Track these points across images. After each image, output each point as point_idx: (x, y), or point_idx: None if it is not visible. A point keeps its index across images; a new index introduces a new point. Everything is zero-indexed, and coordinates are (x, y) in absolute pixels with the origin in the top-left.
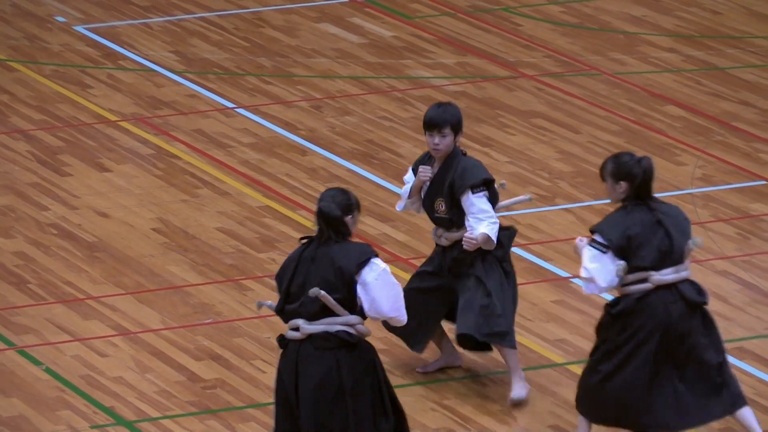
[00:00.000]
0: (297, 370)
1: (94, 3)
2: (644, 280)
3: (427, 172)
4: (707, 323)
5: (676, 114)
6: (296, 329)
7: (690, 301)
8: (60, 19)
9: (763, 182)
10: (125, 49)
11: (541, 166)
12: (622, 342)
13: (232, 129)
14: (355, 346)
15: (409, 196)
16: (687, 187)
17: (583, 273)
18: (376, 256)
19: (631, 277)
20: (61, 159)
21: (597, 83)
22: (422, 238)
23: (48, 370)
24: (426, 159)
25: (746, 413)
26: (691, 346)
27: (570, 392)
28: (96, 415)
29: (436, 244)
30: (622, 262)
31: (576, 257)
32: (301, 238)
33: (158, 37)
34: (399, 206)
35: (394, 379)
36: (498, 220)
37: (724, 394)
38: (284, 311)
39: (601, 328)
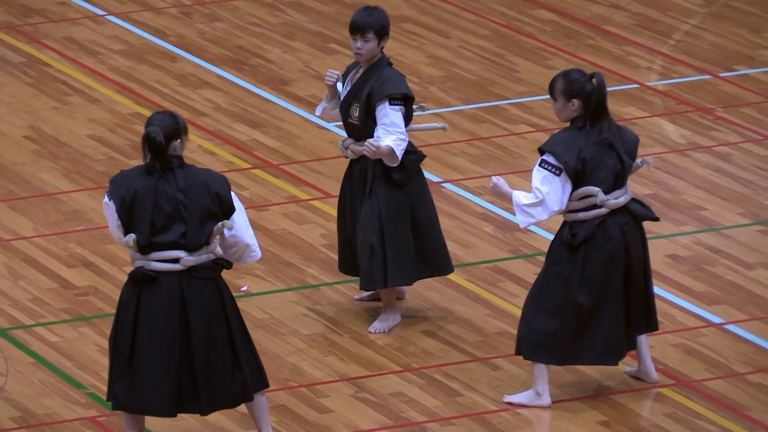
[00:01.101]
0: (184, 302)
1: None
2: (595, 205)
3: (333, 76)
4: (644, 239)
5: (546, 18)
6: (174, 261)
7: (641, 219)
8: None
9: (635, 86)
10: None
11: (411, 71)
12: (594, 272)
13: (103, 36)
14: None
15: (329, 100)
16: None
17: (529, 197)
18: None
19: (580, 203)
20: None
21: None
22: (293, 144)
23: None
24: (356, 64)
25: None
26: (643, 267)
27: (441, 297)
28: None
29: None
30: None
31: (450, 161)
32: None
33: None
34: (318, 110)
35: (269, 285)
36: (407, 139)
37: (652, 316)
38: (153, 244)
39: (556, 261)
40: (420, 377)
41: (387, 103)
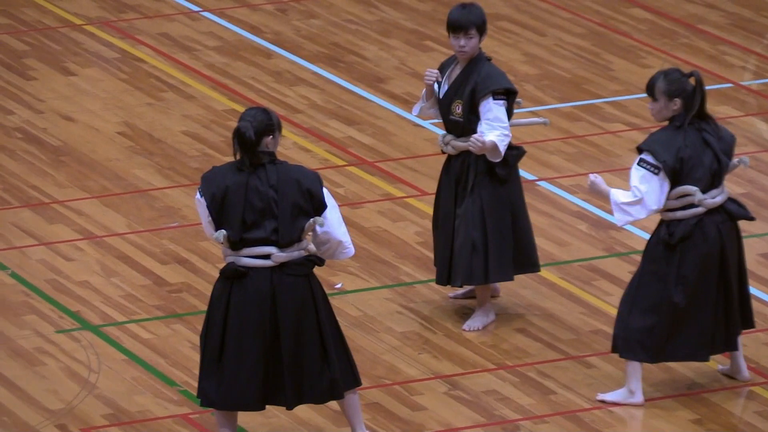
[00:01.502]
0: (274, 298)
1: None
2: (693, 204)
3: (432, 75)
4: (740, 239)
5: (641, 17)
6: (266, 257)
7: (737, 218)
8: None
9: (729, 85)
10: None
11: (507, 68)
12: (691, 270)
13: (198, 32)
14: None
15: (426, 100)
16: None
17: (627, 195)
18: None
19: (677, 202)
20: (26, 63)
21: None
22: (388, 141)
23: (14, 275)
24: (451, 61)
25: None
26: (739, 266)
27: (535, 295)
28: (62, 319)
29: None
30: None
31: (543, 159)
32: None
33: None
34: (415, 109)
35: (363, 283)
36: (510, 134)
37: (748, 314)
38: (244, 240)
39: (653, 260)
40: (514, 375)
41: (491, 98)
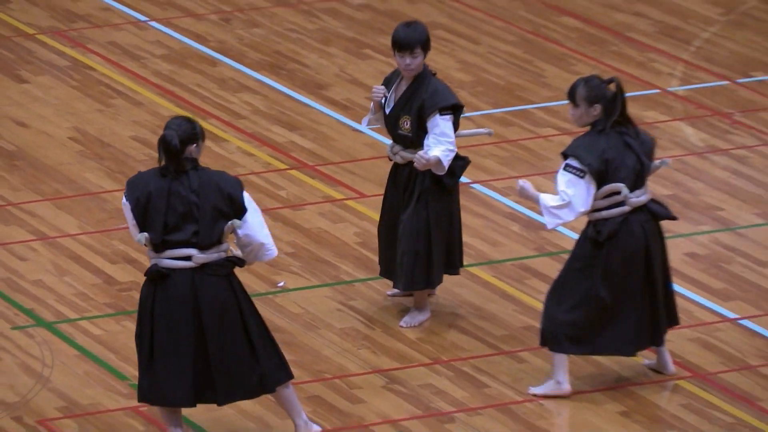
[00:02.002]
0: (196, 298)
1: None
2: (620, 203)
3: (379, 91)
4: (663, 238)
5: (571, 25)
6: (187, 258)
7: (660, 218)
8: None
9: (657, 91)
10: None
11: (442, 75)
12: (616, 267)
13: (145, 41)
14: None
15: (374, 113)
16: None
17: (556, 199)
18: None
19: (604, 201)
20: None
21: None
22: (328, 146)
23: None
24: (396, 75)
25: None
26: (664, 265)
27: (469, 293)
28: (17, 316)
29: (392, 170)
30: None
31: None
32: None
33: None
34: (364, 121)
35: (305, 281)
36: (455, 148)
37: (672, 311)
38: (166, 242)
39: (580, 257)
40: (448, 369)
41: (438, 114)
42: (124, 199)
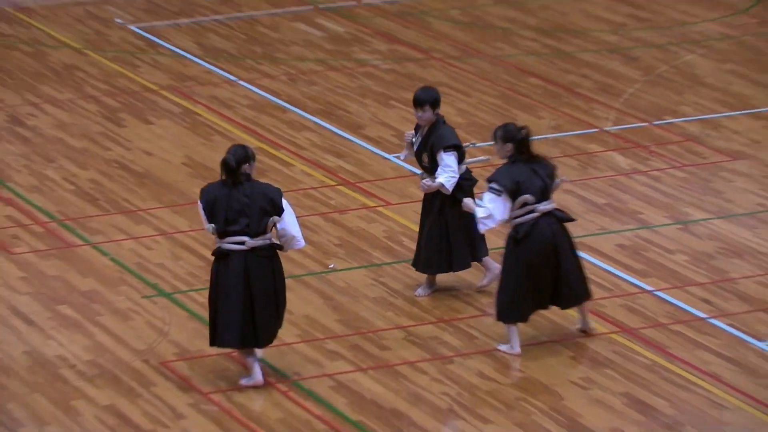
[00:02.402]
0: (247, 272)
1: (141, 9)
2: (531, 212)
3: (408, 136)
4: (568, 235)
5: (537, 84)
6: (241, 243)
7: (563, 221)
8: (118, 20)
9: (596, 130)
10: (162, 40)
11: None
12: (531, 258)
13: (236, 95)
14: (277, 254)
15: (407, 150)
16: (545, 134)
17: (482, 212)
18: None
19: (520, 211)
20: (120, 116)
21: (483, 63)
22: (364, 169)
23: (113, 259)
24: (419, 125)
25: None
26: (565, 255)
27: (465, 273)
28: (145, 289)
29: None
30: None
31: None
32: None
33: (185, 32)
34: (401, 155)
35: (348, 264)
36: (457, 175)
37: (587, 284)
38: (226, 231)
39: (507, 252)
40: (449, 326)
41: (442, 151)
42: (199, 202)
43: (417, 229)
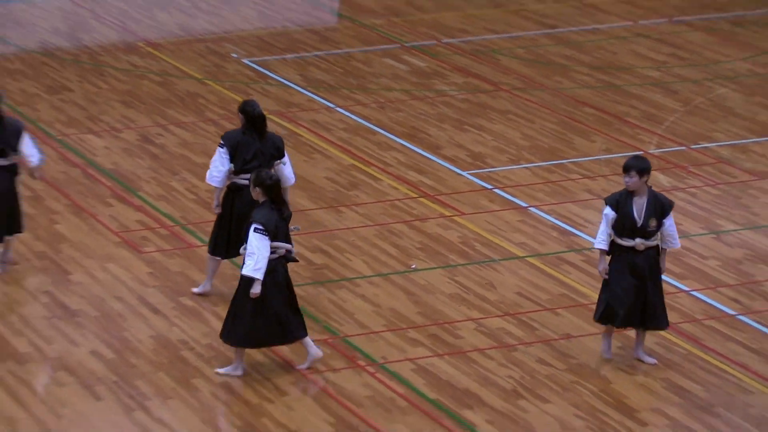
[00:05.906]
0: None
1: (253, 45)
2: (273, 251)
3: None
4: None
5: (590, 112)
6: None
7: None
8: (234, 55)
9: (641, 152)
10: (271, 72)
11: (511, 142)
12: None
13: (333, 119)
14: None
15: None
16: (597, 155)
17: (249, 249)
18: None
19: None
20: None
21: (545, 95)
22: (442, 184)
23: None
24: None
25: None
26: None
27: (526, 273)
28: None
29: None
30: None
31: None
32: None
33: (290, 66)
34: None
35: (428, 264)
36: None
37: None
38: (243, 169)
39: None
40: (513, 319)
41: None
42: (221, 144)
43: (487, 235)
